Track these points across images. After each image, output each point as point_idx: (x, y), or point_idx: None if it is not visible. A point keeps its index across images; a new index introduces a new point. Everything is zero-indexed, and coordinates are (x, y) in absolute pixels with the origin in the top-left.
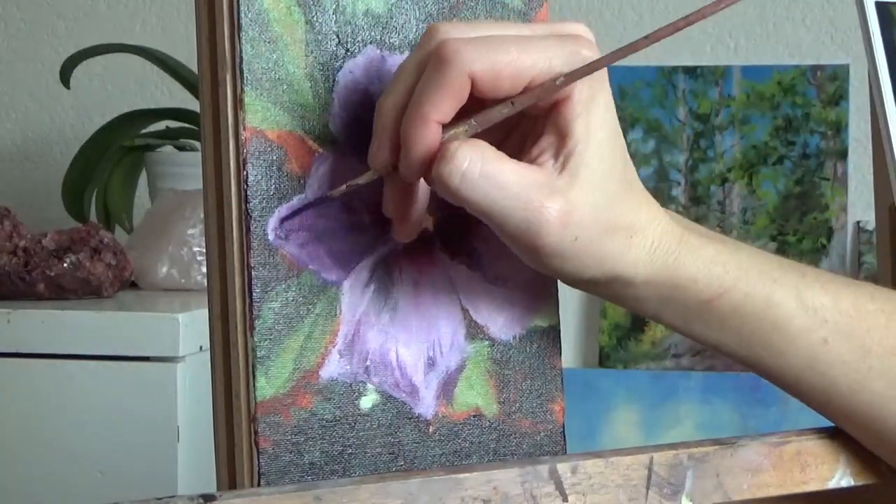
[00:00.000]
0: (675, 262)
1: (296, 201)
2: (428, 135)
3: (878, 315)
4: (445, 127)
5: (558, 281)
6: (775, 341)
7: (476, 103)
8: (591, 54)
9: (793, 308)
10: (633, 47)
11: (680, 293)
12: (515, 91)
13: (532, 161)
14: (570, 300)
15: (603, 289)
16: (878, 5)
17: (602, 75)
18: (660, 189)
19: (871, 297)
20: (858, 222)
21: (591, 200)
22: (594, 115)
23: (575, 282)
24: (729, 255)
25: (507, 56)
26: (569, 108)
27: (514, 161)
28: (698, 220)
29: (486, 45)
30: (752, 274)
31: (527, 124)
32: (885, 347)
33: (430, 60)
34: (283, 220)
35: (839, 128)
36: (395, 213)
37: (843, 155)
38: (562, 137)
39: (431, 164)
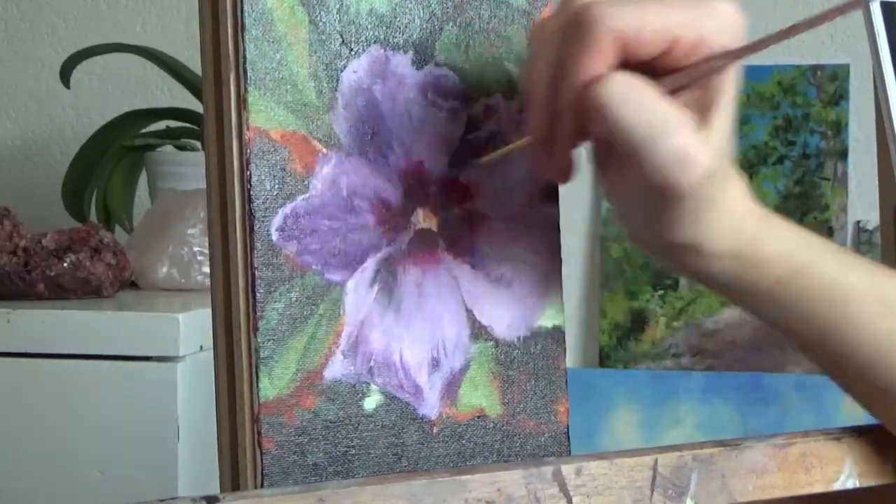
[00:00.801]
0: (754, 240)
1: (299, 201)
2: (576, 82)
3: None
4: None
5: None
6: (846, 324)
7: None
8: (730, 9)
9: (868, 292)
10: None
11: (754, 271)
12: (659, 51)
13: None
14: (570, 300)
15: (676, 255)
16: (883, 5)
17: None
18: None
19: None
20: (858, 222)
21: (712, 155)
22: (731, 73)
23: (655, 238)
24: (808, 239)
25: (652, 14)
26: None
27: (665, 94)
28: None
29: (628, 5)
30: (827, 257)
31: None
32: None
33: (571, 25)
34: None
35: (839, 128)
36: (550, 174)
37: (843, 155)
38: (706, 92)
39: (583, 129)
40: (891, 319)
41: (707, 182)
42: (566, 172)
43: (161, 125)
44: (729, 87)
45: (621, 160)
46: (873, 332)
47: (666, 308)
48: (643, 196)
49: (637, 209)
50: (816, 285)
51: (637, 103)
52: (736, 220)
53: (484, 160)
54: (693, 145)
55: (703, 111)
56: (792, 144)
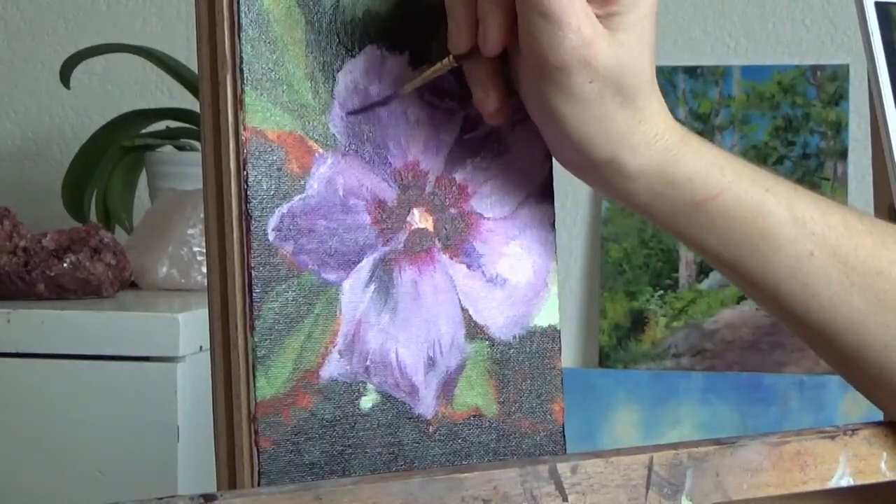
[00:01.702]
0: (674, 158)
1: (295, 201)
2: (502, 11)
3: (866, 236)
4: None
5: (557, 282)
6: (761, 248)
7: None
8: None
9: (783, 218)
10: None
11: (673, 191)
12: None
13: None
14: (569, 300)
15: (597, 172)
16: (877, 5)
17: None
18: None
19: (859, 218)
20: None
21: (616, 58)
22: None
23: (575, 154)
24: (726, 161)
25: None
26: None
27: None
28: None
29: None
30: (745, 180)
31: None
32: (868, 266)
33: None
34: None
35: (839, 128)
36: (485, 97)
37: (843, 155)
38: None
39: (507, 35)
40: (801, 245)
41: (594, 71)
42: (498, 94)
43: (161, 125)
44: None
45: (533, 71)
46: (785, 257)
47: (666, 308)
48: (555, 104)
49: (554, 124)
50: (734, 208)
51: None
52: (655, 136)
53: (406, 87)
54: (574, 29)
55: (608, 15)
56: (792, 144)
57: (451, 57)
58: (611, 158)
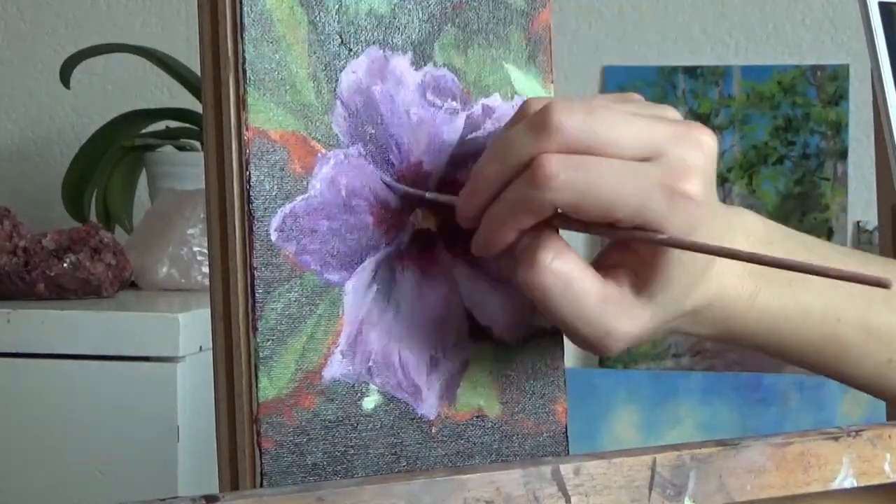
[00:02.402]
0: (736, 326)
1: (297, 201)
2: (506, 236)
3: None
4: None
5: None
6: (839, 367)
7: None
8: (689, 205)
9: (859, 339)
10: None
11: (741, 343)
12: (598, 220)
13: (610, 269)
14: None
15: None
16: (881, 5)
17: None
18: None
19: None
20: (858, 222)
21: (661, 315)
22: (671, 255)
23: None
24: (793, 310)
25: (599, 189)
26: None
27: (595, 276)
28: None
29: (582, 172)
30: (815, 316)
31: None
32: None
33: (525, 171)
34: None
35: (839, 128)
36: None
37: (843, 155)
38: (644, 262)
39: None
40: (879, 354)
41: (640, 339)
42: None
43: (161, 125)
44: (676, 258)
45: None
46: (866, 368)
47: None
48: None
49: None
50: (807, 344)
51: (560, 297)
52: (712, 318)
53: (433, 196)
54: (607, 336)
55: (644, 282)
56: (792, 144)
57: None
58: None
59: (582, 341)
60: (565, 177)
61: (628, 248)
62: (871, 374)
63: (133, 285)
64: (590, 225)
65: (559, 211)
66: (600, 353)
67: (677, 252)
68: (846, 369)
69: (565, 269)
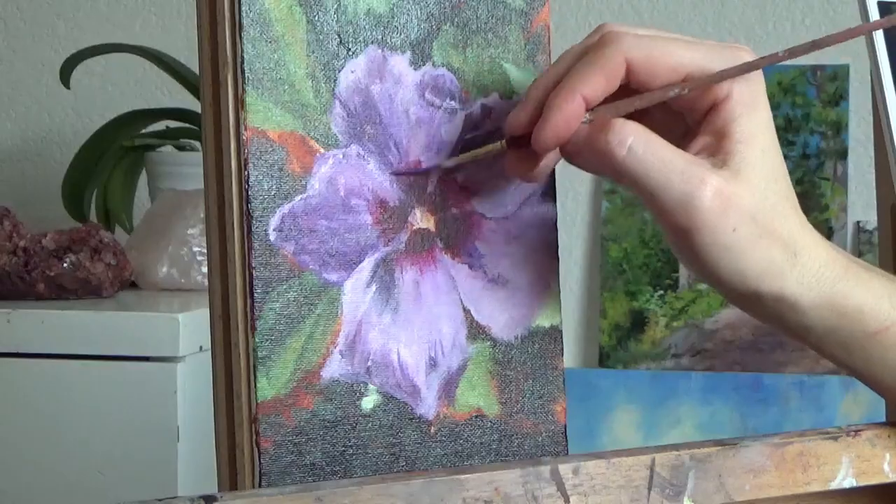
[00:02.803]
0: (843, 289)
1: (296, 201)
2: (570, 106)
3: None
4: (591, 110)
5: (559, 280)
6: (874, 369)
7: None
8: (749, 57)
9: None
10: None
11: (846, 322)
12: (666, 83)
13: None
14: (570, 300)
15: (767, 308)
16: (880, 5)
17: (761, 84)
18: None
19: None
20: (858, 222)
21: (752, 198)
22: (756, 119)
23: (737, 292)
24: (893, 289)
25: (667, 47)
26: (728, 107)
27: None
28: None
29: (649, 36)
30: (867, 314)
31: (678, 127)
32: None
33: (591, 45)
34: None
35: (839, 128)
36: (516, 172)
37: (843, 155)
38: (721, 137)
39: (560, 136)
40: None
41: (736, 218)
42: (534, 175)
43: (161, 125)
44: (756, 134)
45: (673, 232)
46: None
47: (666, 308)
48: (707, 257)
49: (714, 271)
50: (860, 329)
51: (643, 154)
52: (819, 267)
53: (453, 161)
54: (702, 184)
55: (726, 157)
56: (792, 144)
57: (503, 142)
58: (778, 295)
59: (673, 202)
60: (635, 35)
61: (699, 134)
62: None
63: (133, 285)
64: (655, 94)
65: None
66: (695, 225)
67: (755, 131)
68: (881, 373)
69: (641, 128)
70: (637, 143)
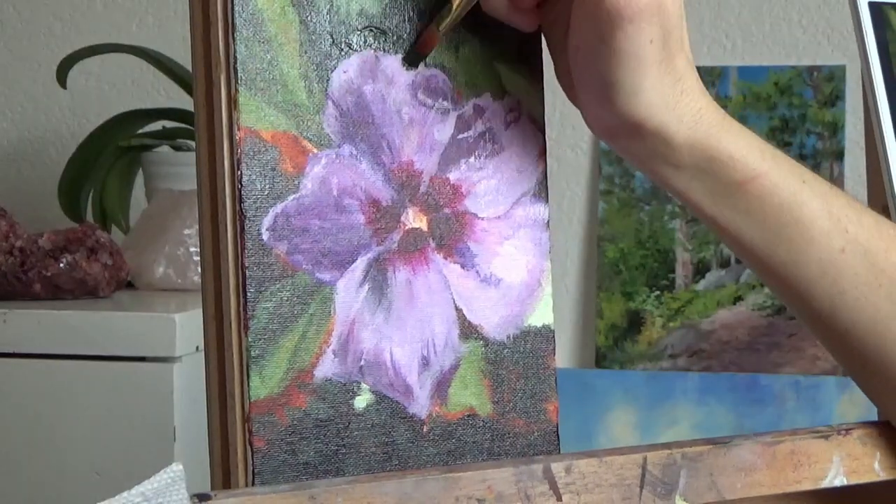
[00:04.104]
0: (716, 134)
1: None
2: None
3: None
4: None
5: (551, 282)
6: (795, 238)
7: None
8: None
9: (817, 209)
10: None
11: (715, 167)
12: None
13: None
14: (566, 301)
15: (643, 142)
16: (871, 5)
17: None
18: (656, 189)
19: (891, 224)
20: None
21: (671, 18)
22: None
23: (620, 118)
24: (765, 146)
25: None
26: None
27: None
28: (694, 220)
29: None
30: (784, 167)
31: None
32: None
33: None
34: None
35: (836, 128)
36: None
37: (839, 155)
38: None
39: None
40: (833, 240)
41: (655, 25)
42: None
43: (157, 125)
44: None
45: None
46: (817, 250)
47: (662, 309)
48: (610, 66)
49: (604, 88)
50: (771, 193)
51: None
52: (699, 109)
53: (442, 27)
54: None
55: None
56: (788, 145)
57: None
58: (658, 127)
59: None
60: None
61: None
62: (818, 262)
63: (129, 285)
64: None
65: None
66: (623, 6)
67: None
68: (799, 245)
69: None
70: None
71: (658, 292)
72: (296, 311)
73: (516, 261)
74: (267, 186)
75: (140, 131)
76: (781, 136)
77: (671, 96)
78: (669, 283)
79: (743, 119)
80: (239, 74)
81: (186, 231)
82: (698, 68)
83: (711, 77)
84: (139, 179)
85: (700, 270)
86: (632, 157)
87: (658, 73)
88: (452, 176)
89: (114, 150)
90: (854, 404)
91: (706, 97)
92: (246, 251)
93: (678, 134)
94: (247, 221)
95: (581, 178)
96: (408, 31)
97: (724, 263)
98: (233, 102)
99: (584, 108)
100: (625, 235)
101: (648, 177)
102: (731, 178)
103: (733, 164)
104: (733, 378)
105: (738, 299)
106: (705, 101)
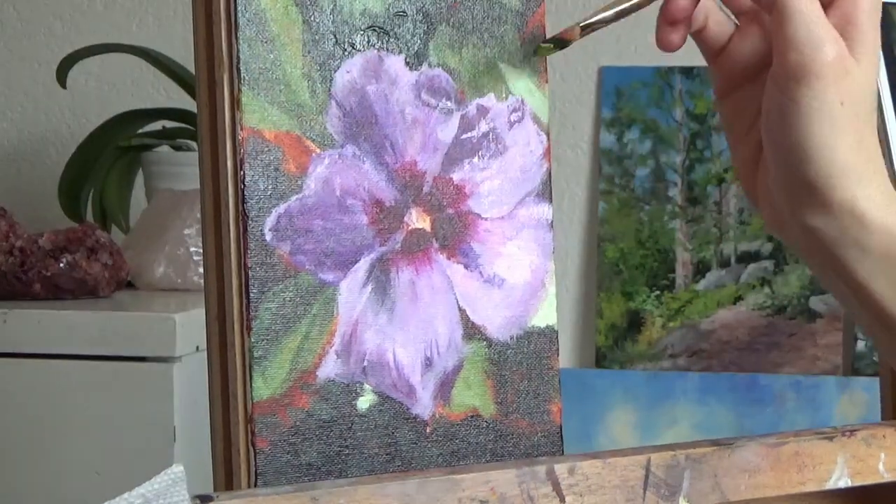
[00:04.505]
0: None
1: (292, 201)
2: None
3: None
4: None
5: (555, 283)
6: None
7: None
8: None
9: None
10: None
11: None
12: None
13: None
14: (566, 301)
15: (830, 217)
16: None
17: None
18: (657, 189)
19: None
20: None
21: (862, 87)
22: (875, 17)
23: (811, 188)
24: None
25: None
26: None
27: None
28: (694, 220)
29: None
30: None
31: None
32: None
33: None
34: None
35: None
36: (671, 33)
37: None
38: (847, 22)
39: None
40: None
41: (846, 90)
42: (678, 35)
43: (157, 125)
44: (874, 38)
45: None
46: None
47: (662, 309)
48: (804, 120)
49: (796, 146)
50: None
51: (807, 14)
52: (889, 193)
53: (598, 19)
54: (831, 39)
55: (852, 40)
56: None
57: None
58: (851, 200)
59: (802, 39)
60: None
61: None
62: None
63: (129, 285)
64: None
65: None
66: (814, 71)
67: (874, 35)
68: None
69: None
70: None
71: (658, 292)
72: (299, 312)
73: (520, 261)
74: (270, 187)
75: (140, 131)
76: None
77: (865, 172)
78: (669, 283)
79: None
80: (242, 74)
81: (186, 231)
82: (699, 68)
83: None
84: (139, 179)
85: (700, 270)
86: (818, 240)
87: (852, 140)
88: (456, 176)
89: (114, 150)
90: (854, 404)
91: (892, 187)
92: (249, 251)
93: (871, 212)
94: (250, 222)
95: (581, 178)
96: (410, 31)
97: (725, 263)
98: (236, 102)
99: (774, 184)
100: (625, 235)
101: (829, 266)
102: None
103: None
104: (733, 378)
105: (738, 299)
106: (893, 190)
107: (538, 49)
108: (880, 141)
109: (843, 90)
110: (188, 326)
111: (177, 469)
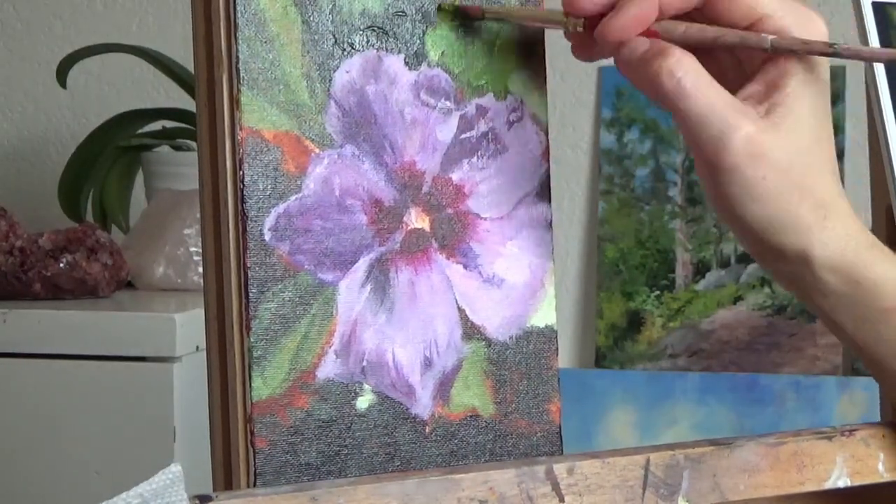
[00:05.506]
0: (864, 260)
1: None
2: (645, 5)
3: None
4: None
5: (554, 283)
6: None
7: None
8: (822, 32)
9: None
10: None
11: (861, 293)
12: (741, 23)
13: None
14: (566, 301)
15: (787, 265)
16: (874, 5)
17: (825, 63)
18: (656, 189)
19: None
20: None
21: (786, 151)
22: (812, 81)
23: (762, 244)
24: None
25: None
26: (788, 62)
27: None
28: (694, 220)
29: None
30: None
31: (736, 70)
32: None
33: None
34: None
35: (836, 129)
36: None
37: (839, 156)
38: (772, 88)
39: (625, 32)
40: None
41: (766, 166)
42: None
43: (157, 125)
44: (808, 94)
45: (707, 171)
46: None
47: (662, 308)
48: (736, 202)
49: (739, 220)
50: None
51: (689, 90)
52: (846, 235)
53: (502, 16)
54: (735, 128)
55: (771, 107)
56: None
57: (584, 21)
58: (801, 253)
59: (707, 139)
60: None
61: (752, 80)
62: None
63: (129, 285)
64: (729, 35)
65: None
66: (722, 163)
67: (807, 92)
68: (886, 352)
69: (695, 65)
70: (686, 77)
71: (658, 292)
72: (298, 312)
73: (519, 261)
74: (269, 186)
75: (140, 131)
76: None
77: (811, 221)
78: (669, 282)
79: None
80: (241, 74)
81: (186, 231)
82: None
83: None
84: (139, 179)
85: (700, 270)
86: (780, 280)
87: (789, 200)
88: (455, 176)
89: (114, 150)
90: (854, 404)
91: (856, 222)
92: (248, 251)
93: (823, 259)
94: (249, 222)
95: (581, 178)
96: (409, 31)
97: (724, 263)
98: (235, 102)
99: (734, 234)
100: (625, 235)
101: (797, 298)
102: (877, 305)
103: (878, 290)
104: (733, 378)
105: (738, 299)
106: (854, 226)
107: (439, 7)
108: (880, 143)
109: (761, 166)
110: (188, 326)
111: (175, 468)
